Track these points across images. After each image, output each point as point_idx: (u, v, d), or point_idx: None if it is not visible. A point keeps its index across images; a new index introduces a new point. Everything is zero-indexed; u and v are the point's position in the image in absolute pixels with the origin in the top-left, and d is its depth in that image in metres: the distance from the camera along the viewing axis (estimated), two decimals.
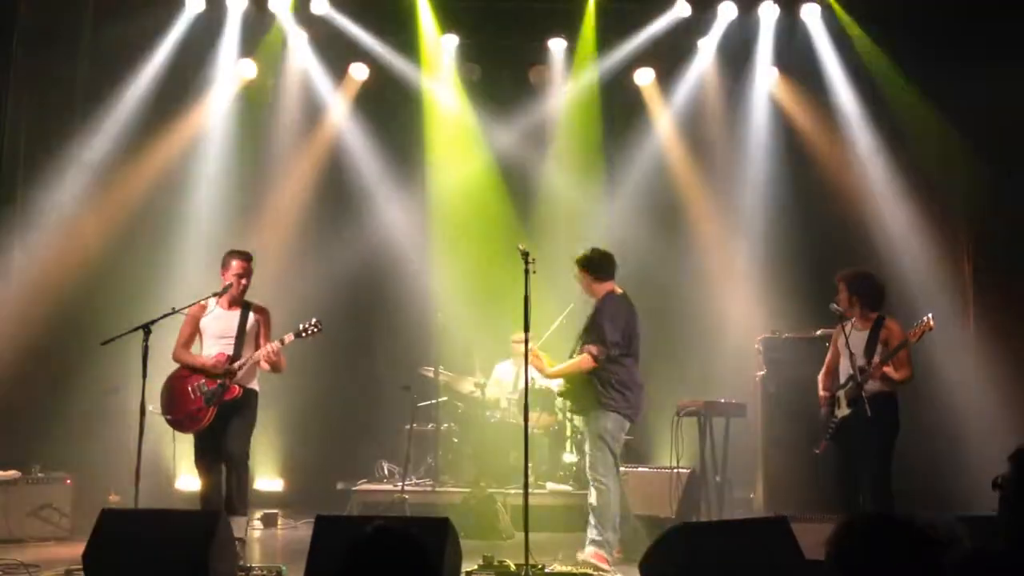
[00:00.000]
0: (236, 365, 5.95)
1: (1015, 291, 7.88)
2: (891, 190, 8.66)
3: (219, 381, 5.94)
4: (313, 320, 6.09)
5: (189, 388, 5.99)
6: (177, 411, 5.98)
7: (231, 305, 6.11)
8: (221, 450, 5.92)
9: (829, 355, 6.51)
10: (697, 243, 9.29)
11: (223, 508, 5.74)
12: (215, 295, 6.08)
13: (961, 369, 7.84)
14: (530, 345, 5.77)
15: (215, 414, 5.90)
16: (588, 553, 5.80)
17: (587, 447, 6.07)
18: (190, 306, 6.06)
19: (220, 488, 5.96)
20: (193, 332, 6.12)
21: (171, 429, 6.16)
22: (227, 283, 6.05)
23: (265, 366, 6.01)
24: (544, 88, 9.56)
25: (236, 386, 5.96)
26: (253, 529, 7.30)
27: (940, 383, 7.65)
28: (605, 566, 5.70)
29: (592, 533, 5.86)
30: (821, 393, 6.39)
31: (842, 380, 6.25)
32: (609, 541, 5.84)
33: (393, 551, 2.35)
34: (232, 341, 6.02)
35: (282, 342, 5.99)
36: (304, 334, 6.06)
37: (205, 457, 6.00)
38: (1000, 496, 2.81)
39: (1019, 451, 2.80)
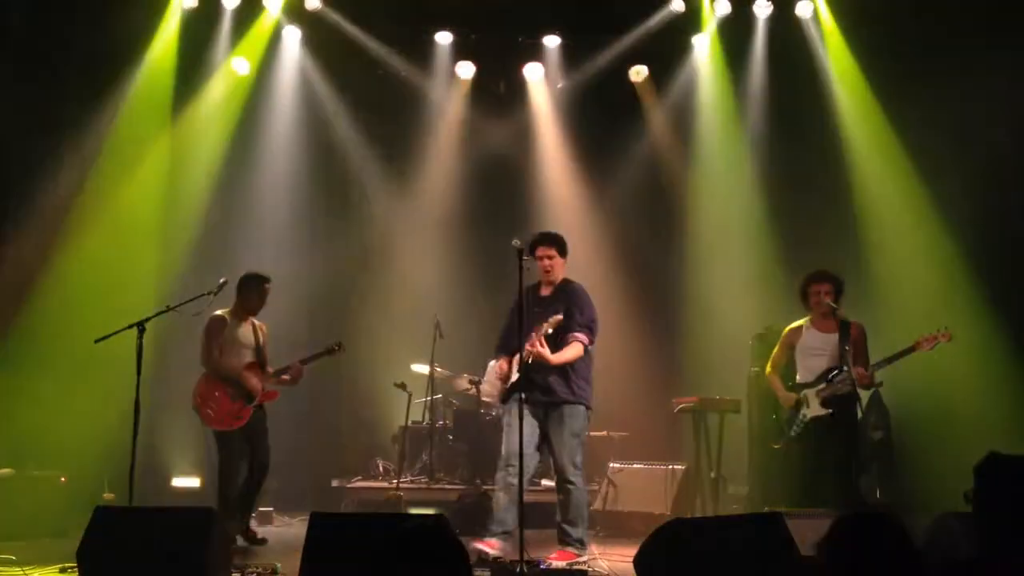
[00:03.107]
0: (286, 376, 6.74)
1: (1011, 287, 7.88)
2: (885, 187, 8.66)
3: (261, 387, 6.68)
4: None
5: (229, 392, 6.56)
6: (218, 409, 6.53)
7: (243, 319, 6.73)
8: (255, 458, 6.64)
9: (780, 353, 6.55)
10: (691, 239, 9.29)
11: (238, 507, 6.51)
12: (210, 293, 6.21)
13: (959, 368, 7.84)
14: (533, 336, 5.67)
15: (251, 414, 6.60)
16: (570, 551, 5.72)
17: (556, 443, 5.77)
18: (186, 303, 6.15)
19: (240, 488, 6.58)
20: (221, 342, 6.60)
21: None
22: (248, 299, 6.71)
23: (287, 377, 6.78)
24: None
25: (273, 391, 6.76)
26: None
27: (938, 382, 7.65)
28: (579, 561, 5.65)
29: (574, 532, 5.77)
30: (782, 394, 6.42)
31: (800, 379, 6.32)
32: (583, 539, 5.80)
33: (434, 550, 2.33)
34: (253, 350, 6.73)
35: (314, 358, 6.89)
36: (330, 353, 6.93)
37: (241, 457, 6.57)
38: (973, 505, 2.87)
39: (981, 464, 2.85)
